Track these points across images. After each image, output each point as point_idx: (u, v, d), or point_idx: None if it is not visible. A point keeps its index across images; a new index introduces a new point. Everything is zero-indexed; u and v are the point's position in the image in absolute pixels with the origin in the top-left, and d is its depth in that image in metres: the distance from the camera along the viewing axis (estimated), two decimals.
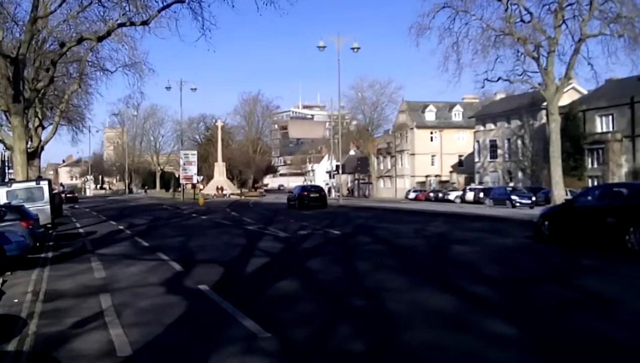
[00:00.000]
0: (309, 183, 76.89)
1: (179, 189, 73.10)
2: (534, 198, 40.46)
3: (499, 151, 63.15)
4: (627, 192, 14.72)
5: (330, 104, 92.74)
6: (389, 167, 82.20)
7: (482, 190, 53.05)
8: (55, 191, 37.47)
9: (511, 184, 58.73)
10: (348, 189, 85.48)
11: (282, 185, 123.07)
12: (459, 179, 72.08)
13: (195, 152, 72.86)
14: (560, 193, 38.16)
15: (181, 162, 68.08)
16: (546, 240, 15.73)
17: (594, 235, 14.20)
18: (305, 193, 41.37)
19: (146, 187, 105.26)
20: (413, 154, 76.82)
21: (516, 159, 60.47)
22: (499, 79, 39.49)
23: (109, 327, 7.52)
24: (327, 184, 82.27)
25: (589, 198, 15.95)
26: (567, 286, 9.78)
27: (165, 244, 17.43)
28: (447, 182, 72.81)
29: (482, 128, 66.18)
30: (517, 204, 39.08)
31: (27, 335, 7.22)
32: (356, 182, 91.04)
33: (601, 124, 50.22)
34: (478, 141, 66.70)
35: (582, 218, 14.90)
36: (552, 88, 37.95)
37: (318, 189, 44.40)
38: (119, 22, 25.63)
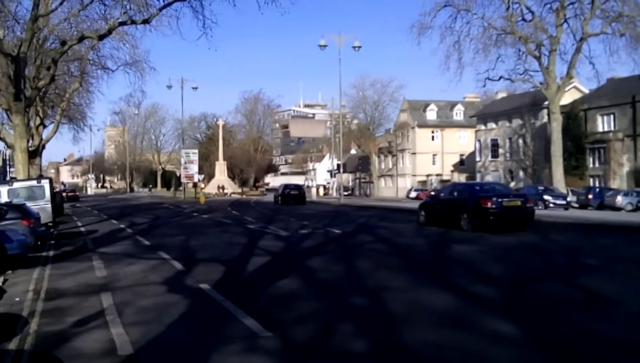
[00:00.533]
0: (310, 181, 77.62)
1: (180, 188, 73.15)
2: (569, 199, 37.14)
3: (500, 150, 63.11)
4: (463, 189, 22.57)
5: (331, 103, 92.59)
6: (390, 166, 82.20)
7: None
8: (57, 190, 37.48)
9: (512, 184, 58.69)
10: (348, 188, 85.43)
11: None
12: (460, 178, 72.04)
13: (197, 150, 72.88)
14: None
15: (182, 160, 68.13)
16: (422, 224, 22.31)
17: (446, 219, 20.83)
18: (287, 191, 47.61)
19: (150, 186, 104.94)
20: (414, 153, 76.81)
21: (517, 158, 60.42)
22: (500, 78, 39.61)
23: (110, 325, 7.51)
24: (328, 183, 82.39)
25: (443, 194, 23.39)
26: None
27: (167, 243, 17.42)
28: (448, 181, 72.66)
29: (483, 127, 66.14)
30: (551, 205, 35.32)
31: (28, 334, 7.21)
32: (357, 181, 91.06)
33: (602, 123, 50.17)
34: (479, 140, 66.66)
35: (440, 207, 21.89)
36: (553, 87, 37.97)
37: (298, 187, 50.32)
38: (120, 20, 25.64)
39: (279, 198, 46.73)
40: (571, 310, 8.08)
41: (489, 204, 19.28)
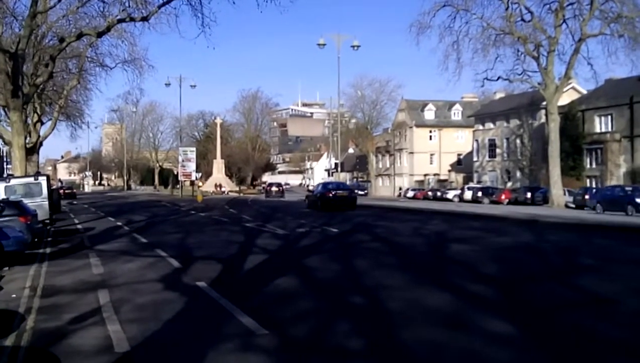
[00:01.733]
0: (307, 181, 79.10)
1: (178, 186, 73.06)
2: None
3: (498, 150, 63.18)
4: (321, 186, 37.07)
5: (329, 102, 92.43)
6: (388, 165, 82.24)
7: (481, 189, 53.13)
8: (54, 187, 37.44)
9: (509, 184, 58.76)
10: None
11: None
12: (458, 177, 72.16)
13: (194, 149, 72.76)
14: (558, 193, 38.26)
15: (180, 158, 68.05)
16: (307, 208, 34.73)
17: (313, 204, 34.39)
18: (269, 187, 66.13)
19: (155, 184, 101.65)
20: (412, 153, 76.85)
21: (515, 158, 60.50)
22: (498, 78, 39.62)
23: (106, 322, 7.51)
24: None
25: (317, 189, 37.02)
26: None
27: (164, 241, 17.42)
28: (445, 181, 72.89)
29: (481, 127, 66.21)
30: None
31: (25, 331, 7.21)
32: (355, 180, 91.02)
33: (600, 124, 50.25)
34: (477, 140, 66.72)
35: (312, 198, 35.99)
36: (551, 87, 38.01)
37: (279, 184, 68.20)
38: (118, 17, 25.57)
39: (264, 193, 65.66)
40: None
41: (330, 194, 33.72)
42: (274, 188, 64.36)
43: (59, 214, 30.29)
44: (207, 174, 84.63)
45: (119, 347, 6.44)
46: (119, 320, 7.61)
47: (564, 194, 39.11)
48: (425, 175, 75.56)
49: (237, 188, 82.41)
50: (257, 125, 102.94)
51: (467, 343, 6.42)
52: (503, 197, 47.80)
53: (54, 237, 19.36)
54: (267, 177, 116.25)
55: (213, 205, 42.50)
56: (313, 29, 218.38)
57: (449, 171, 75.38)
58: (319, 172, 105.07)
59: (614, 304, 8.42)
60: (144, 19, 24.76)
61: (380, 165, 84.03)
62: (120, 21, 26.07)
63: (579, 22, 36.86)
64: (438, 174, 75.58)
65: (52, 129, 44.95)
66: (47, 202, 22.93)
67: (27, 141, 33.01)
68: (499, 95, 66.30)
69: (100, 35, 27.60)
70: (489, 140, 64.48)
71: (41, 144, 44.89)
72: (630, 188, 32.37)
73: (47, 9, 26.48)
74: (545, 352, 6.12)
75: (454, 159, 75.82)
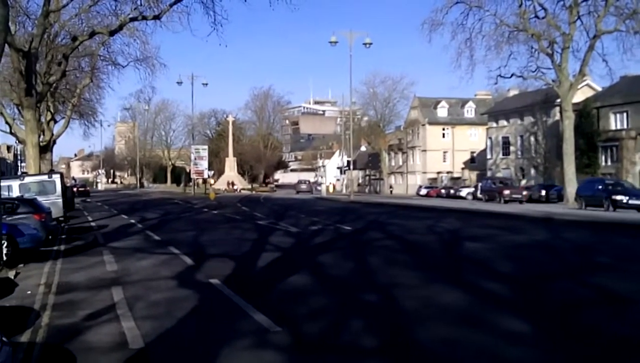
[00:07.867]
0: (319, 178, 79.10)
1: (190, 184, 73.30)
2: None
3: (512, 148, 62.71)
4: None
5: (341, 100, 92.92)
6: (400, 163, 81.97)
7: None
8: (68, 185, 37.67)
9: (523, 181, 58.35)
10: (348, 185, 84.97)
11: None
12: (471, 175, 71.69)
13: (206, 147, 73.00)
14: (573, 191, 37.89)
15: (192, 156, 68.29)
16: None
17: None
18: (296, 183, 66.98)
19: (190, 183, 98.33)
20: (425, 150, 76.51)
21: (529, 156, 60.04)
22: (512, 75, 39.26)
23: (121, 319, 7.52)
24: (337, 180, 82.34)
25: None
26: None
27: (177, 238, 17.45)
28: (458, 178, 72.46)
29: (494, 124, 65.75)
30: None
31: (40, 327, 7.24)
32: (367, 178, 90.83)
33: (615, 121, 49.71)
34: (490, 138, 66.29)
35: None
36: (566, 85, 37.64)
37: (306, 182, 69.98)
38: (130, 16, 25.66)
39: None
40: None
41: None
42: (302, 185, 67.61)
43: (73, 212, 30.44)
44: (219, 172, 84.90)
45: (134, 343, 6.44)
46: (133, 317, 7.62)
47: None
48: (438, 172, 75.22)
49: (250, 186, 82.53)
50: (269, 123, 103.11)
51: (483, 341, 6.36)
52: None
53: (68, 235, 19.46)
54: (279, 175, 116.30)
55: (225, 203, 42.57)
56: (325, 26, 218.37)
57: (462, 169, 74.95)
58: (331, 170, 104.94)
59: (631, 303, 8.30)
60: (156, 17, 24.82)
61: (393, 163, 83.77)
62: (132, 20, 26.16)
63: (593, 19, 36.46)
64: (451, 172, 75.17)
65: (66, 127, 45.15)
66: (61, 200, 23.07)
67: (40, 139, 33.16)
68: (512, 93, 65.79)
69: (112, 33, 27.70)
70: (503, 137, 64.01)
71: (54, 142, 45.14)
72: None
73: (59, 8, 26.63)
74: (561, 351, 6.04)
75: (467, 156, 75.40)
